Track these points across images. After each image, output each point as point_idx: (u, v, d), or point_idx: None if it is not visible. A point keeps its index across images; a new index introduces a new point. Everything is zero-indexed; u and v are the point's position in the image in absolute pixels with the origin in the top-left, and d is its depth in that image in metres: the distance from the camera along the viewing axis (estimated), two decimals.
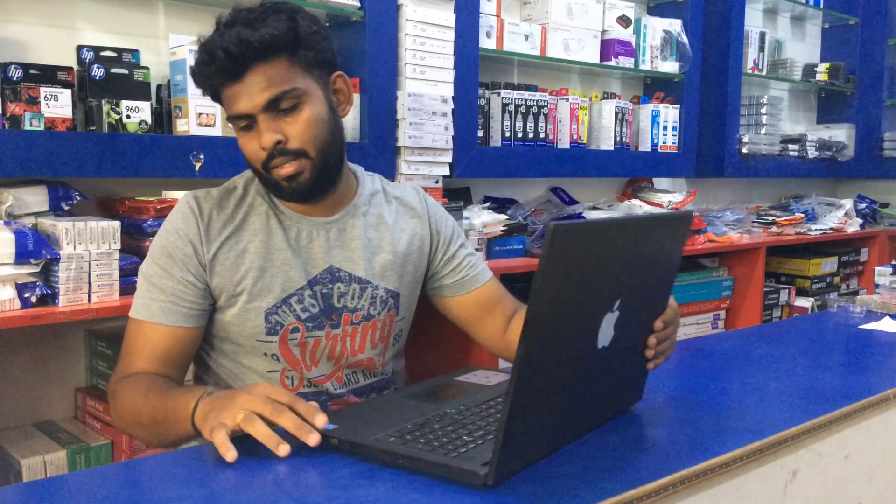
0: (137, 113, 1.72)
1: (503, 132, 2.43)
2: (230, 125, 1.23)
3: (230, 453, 0.91)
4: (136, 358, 1.21)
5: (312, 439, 0.93)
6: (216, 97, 1.22)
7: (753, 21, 3.51)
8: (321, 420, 0.96)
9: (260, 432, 0.93)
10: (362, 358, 1.33)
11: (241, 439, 1.04)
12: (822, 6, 3.74)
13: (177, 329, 1.21)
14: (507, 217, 2.40)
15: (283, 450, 0.92)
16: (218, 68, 1.15)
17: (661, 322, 1.12)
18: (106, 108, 1.68)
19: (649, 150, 2.90)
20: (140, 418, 1.14)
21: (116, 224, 1.63)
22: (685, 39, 2.93)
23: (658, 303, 1.12)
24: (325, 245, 1.28)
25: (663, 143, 2.92)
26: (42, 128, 1.60)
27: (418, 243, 1.39)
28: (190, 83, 1.76)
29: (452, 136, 2.24)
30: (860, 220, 3.62)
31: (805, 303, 3.36)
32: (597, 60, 2.69)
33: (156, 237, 1.25)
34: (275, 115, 1.17)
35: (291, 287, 1.25)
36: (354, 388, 1.34)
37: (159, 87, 1.84)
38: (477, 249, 2.23)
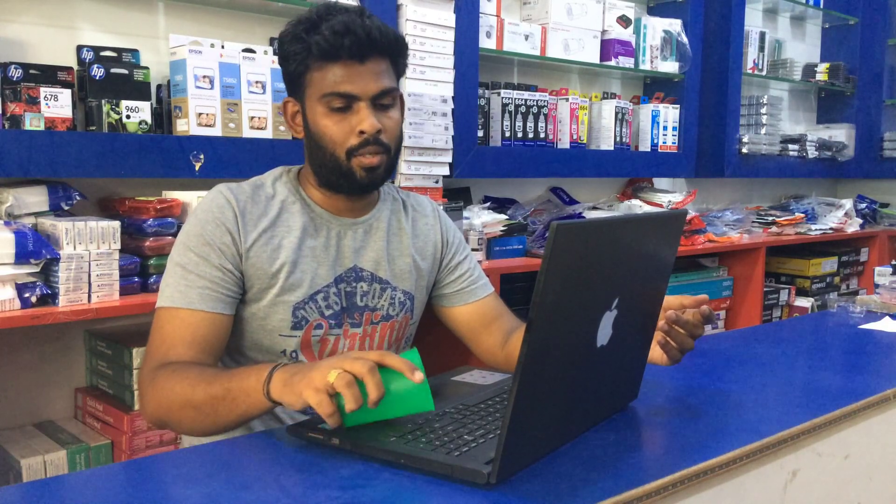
0: (137, 113, 1.72)
1: (503, 132, 2.43)
2: (316, 103, 1.23)
3: (332, 417, 0.92)
4: (174, 345, 1.16)
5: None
6: (298, 74, 1.23)
7: (753, 21, 3.51)
8: (418, 377, 0.96)
9: (352, 394, 0.92)
10: None
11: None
12: (822, 6, 3.74)
13: (216, 315, 1.19)
14: (507, 217, 2.40)
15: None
16: (351, 43, 1.18)
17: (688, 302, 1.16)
18: (106, 108, 1.68)
19: (649, 150, 2.89)
20: (192, 401, 1.07)
21: (116, 224, 1.63)
22: (685, 39, 2.93)
23: (654, 302, 1.12)
24: (353, 245, 1.31)
25: (663, 143, 2.92)
26: (42, 128, 1.60)
27: (431, 250, 1.42)
28: (191, 82, 1.76)
29: (452, 136, 2.24)
30: (860, 220, 3.63)
31: (805, 303, 3.37)
32: (597, 60, 2.69)
33: (186, 227, 1.24)
34: (375, 107, 1.23)
35: (319, 283, 1.27)
36: None
37: (159, 87, 1.84)
38: (477, 249, 2.23)
